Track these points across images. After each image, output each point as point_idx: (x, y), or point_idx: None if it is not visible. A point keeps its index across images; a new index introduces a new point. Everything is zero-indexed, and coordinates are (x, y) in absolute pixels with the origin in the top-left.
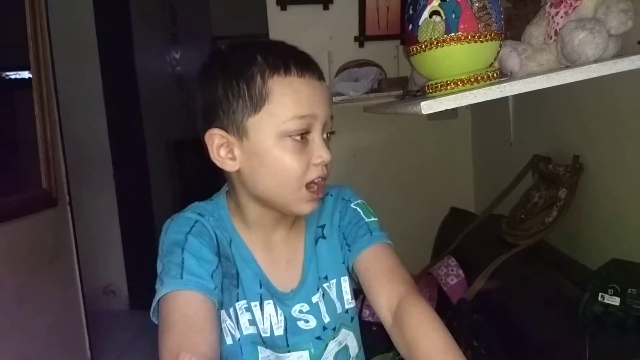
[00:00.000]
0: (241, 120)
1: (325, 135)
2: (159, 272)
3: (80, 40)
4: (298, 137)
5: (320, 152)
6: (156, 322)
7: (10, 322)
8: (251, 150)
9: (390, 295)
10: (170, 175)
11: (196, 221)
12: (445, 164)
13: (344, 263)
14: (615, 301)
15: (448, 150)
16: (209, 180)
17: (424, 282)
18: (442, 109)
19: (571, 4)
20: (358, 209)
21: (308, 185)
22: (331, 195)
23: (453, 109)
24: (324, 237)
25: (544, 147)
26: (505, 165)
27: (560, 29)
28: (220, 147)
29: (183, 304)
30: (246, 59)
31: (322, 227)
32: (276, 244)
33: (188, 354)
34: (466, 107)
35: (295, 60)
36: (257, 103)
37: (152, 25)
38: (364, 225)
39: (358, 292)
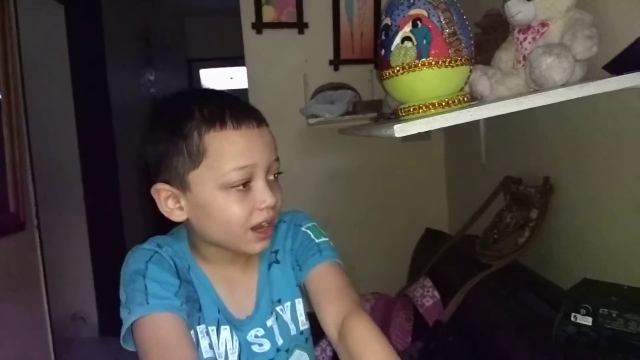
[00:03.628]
0: (183, 175)
1: (272, 176)
2: (122, 301)
3: (52, 62)
4: (240, 187)
5: (263, 197)
6: (129, 349)
7: None
8: (195, 202)
9: (337, 312)
10: (142, 200)
11: (155, 252)
12: (419, 184)
13: (297, 285)
14: (588, 321)
15: (422, 171)
16: None
17: (400, 303)
18: (415, 132)
19: (538, 30)
20: (309, 231)
21: (254, 228)
22: (284, 221)
23: (426, 132)
24: (277, 262)
25: (515, 169)
26: (477, 186)
27: (528, 54)
28: (167, 199)
29: (155, 328)
30: (183, 113)
31: (276, 252)
32: (234, 276)
33: None
34: (439, 129)
35: (230, 113)
36: (196, 158)
37: (126, 47)
38: (314, 246)
39: None
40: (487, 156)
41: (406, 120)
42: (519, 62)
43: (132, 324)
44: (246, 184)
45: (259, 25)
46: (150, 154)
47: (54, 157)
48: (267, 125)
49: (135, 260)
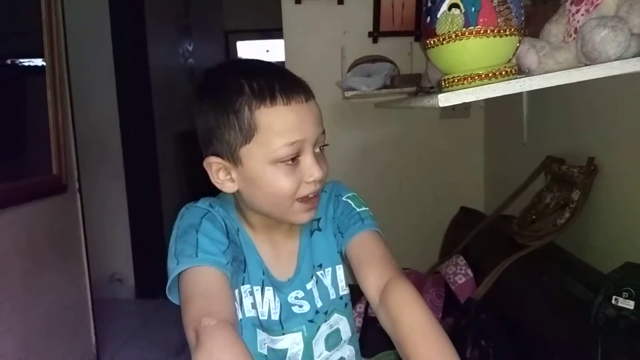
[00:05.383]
0: (234, 149)
1: (319, 149)
2: (172, 252)
3: (94, 29)
4: (289, 161)
5: (311, 172)
6: (172, 300)
7: (14, 306)
8: (246, 175)
9: (379, 277)
10: (179, 166)
11: (208, 211)
12: (456, 163)
13: (338, 252)
14: (630, 305)
15: (459, 149)
16: None
17: (432, 280)
18: (460, 102)
19: (592, 1)
20: (349, 200)
21: (301, 200)
22: (325, 191)
23: (466, 108)
24: (319, 229)
25: (557, 148)
26: (517, 165)
27: (580, 26)
28: (218, 171)
29: (200, 279)
30: (234, 88)
31: (318, 220)
32: (278, 241)
33: (209, 319)
34: (479, 106)
35: (280, 87)
36: (247, 134)
37: (166, 16)
38: (355, 215)
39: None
40: (529, 135)
41: (451, 91)
42: (570, 35)
43: (178, 275)
44: (295, 159)
45: None
46: (199, 126)
47: (95, 123)
48: (314, 98)
49: (190, 215)
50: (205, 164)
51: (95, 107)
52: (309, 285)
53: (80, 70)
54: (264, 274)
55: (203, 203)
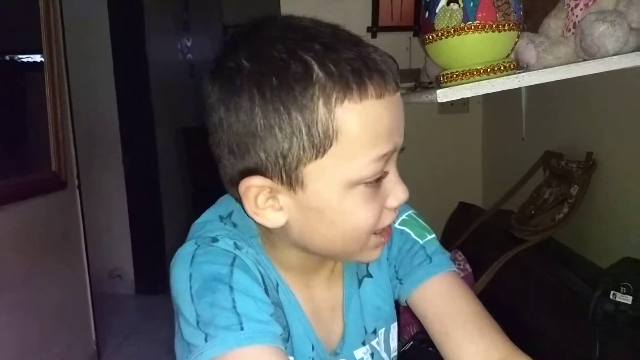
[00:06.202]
0: (296, 166)
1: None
2: (192, 320)
3: (92, 24)
4: (373, 182)
5: (398, 193)
6: None
7: (15, 302)
8: (307, 203)
9: (485, 352)
10: (179, 162)
11: (235, 255)
12: (454, 158)
13: (395, 301)
14: (627, 300)
15: (458, 144)
16: (217, 168)
17: None
18: (459, 97)
19: None
20: (406, 228)
21: (378, 232)
22: None
23: (464, 103)
24: (369, 276)
25: (556, 143)
26: (515, 160)
27: (579, 21)
28: (258, 195)
29: None
30: (297, 69)
31: (367, 263)
32: (317, 288)
33: None
34: (477, 101)
35: (368, 70)
36: (321, 143)
37: (164, 11)
38: (419, 251)
39: None
40: (527, 130)
41: (449, 86)
42: (569, 30)
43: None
44: (379, 178)
45: None
46: (228, 123)
47: (95, 119)
48: None
49: (210, 260)
50: (242, 188)
51: (95, 103)
52: (358, 354)
53: (79, 65)
54: (313, 349)
55: (225, 242)
